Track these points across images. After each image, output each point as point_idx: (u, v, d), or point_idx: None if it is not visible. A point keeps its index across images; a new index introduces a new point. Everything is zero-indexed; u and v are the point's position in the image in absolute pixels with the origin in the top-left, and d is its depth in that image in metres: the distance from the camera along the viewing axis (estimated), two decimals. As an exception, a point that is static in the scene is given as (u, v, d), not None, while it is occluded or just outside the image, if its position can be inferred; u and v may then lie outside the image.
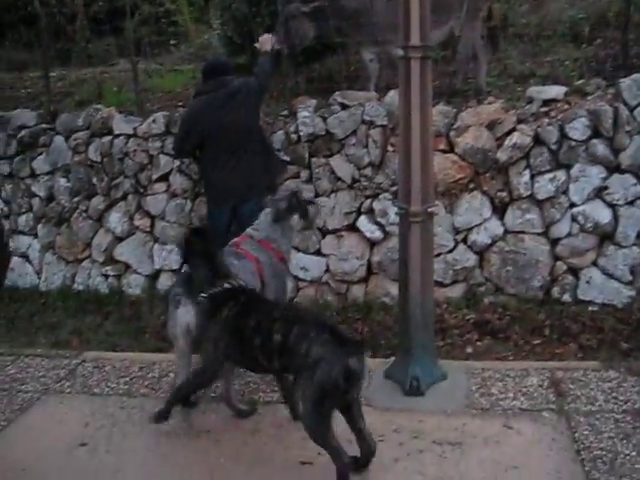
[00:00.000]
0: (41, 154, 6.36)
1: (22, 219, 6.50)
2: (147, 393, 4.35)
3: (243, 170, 5.06)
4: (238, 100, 5.05)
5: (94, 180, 6.10)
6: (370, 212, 5.51)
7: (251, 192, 5.03)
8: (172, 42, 9.23)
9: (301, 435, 3.30)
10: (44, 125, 6.36)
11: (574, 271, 5.23)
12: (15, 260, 6.45)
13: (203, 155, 5.22)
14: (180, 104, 6.63)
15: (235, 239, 4.25)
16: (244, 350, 3.45)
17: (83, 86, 7.69)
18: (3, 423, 4.09)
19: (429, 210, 3.93)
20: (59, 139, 6.25)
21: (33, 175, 6.42)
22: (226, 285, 3.56)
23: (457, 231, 5.38)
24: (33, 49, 9.62)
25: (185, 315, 3.69)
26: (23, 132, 6.37)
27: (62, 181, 6.25)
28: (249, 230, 4.28)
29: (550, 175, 5.15)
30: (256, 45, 5.42)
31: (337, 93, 5.63)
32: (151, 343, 5.28)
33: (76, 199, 6.22)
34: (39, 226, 6.44)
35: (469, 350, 4.85)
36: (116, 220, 6.08)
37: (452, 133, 5.36)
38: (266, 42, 5.33)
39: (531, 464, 3.38)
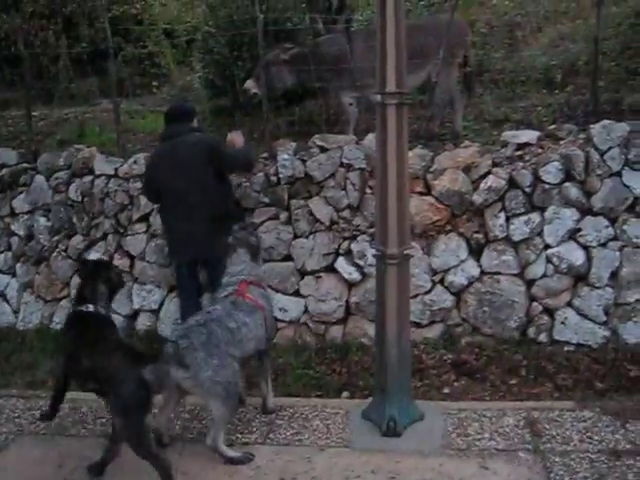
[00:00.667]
0: (21, 193, 6.39)
1: (0, 258, 6.50)
2: (124, 434, 4.30)
3: (197, 225, 4.96)
4: (193, 154, 4.95)
5: (74, 219, 6.12)
6: (348, 253, 5.57)
7: (207, 249, 5.00)
8: (154, 84, 9.34)
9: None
10: (25, 164, 6.40)
11: (550, 311, 5.30)
12: (-8, 300, 6.45)
13: (161, 204, 5.27)
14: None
15: (236, 287, 4.28)
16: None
17: (65, 126, 7.72)
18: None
19: (405, 252, 4.00)
20: (40, 178, 6.29)
21: (13, 214, 6.44)
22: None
23: (434, 272, 5.45)
24: (16, 88, 9.71)
25: None
26: (4, 171, 6.42)
27: (42, 220, 6.27)
28: (241, 277, 4.35)
29: (525, 217, 5.25)
30: (227, 140, 5.32)
31: (316, 136, 5.73)
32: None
33: (56, 238, 6.23)
34: (18, 265, 6.44)
35: (446, 390, 4.88)
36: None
37: (429, 176, 5.47)
38: (237, 139, 5.29)
39: (507, 505, 3.41)
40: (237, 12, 6.89)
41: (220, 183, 5.10)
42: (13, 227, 6.43)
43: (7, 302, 6.47)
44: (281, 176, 5.61)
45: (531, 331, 5.31)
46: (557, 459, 3.77)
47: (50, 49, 10.23)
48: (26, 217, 6.38)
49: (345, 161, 5.52)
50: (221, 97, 7.25)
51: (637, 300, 5.15)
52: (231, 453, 3.91)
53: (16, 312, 6.43)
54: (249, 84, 6.29)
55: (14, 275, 6.46)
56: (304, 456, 3.92)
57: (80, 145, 6.38)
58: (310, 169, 5.56)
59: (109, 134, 7.22)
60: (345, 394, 4.95)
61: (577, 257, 5.19)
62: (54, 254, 6.24)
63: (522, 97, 7.10)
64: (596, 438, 3.96)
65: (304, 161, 5.59)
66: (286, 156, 5.61)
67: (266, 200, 5.68)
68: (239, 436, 4.20)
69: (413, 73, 6.14)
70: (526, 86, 7.30)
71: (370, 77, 6.08)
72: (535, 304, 5.31)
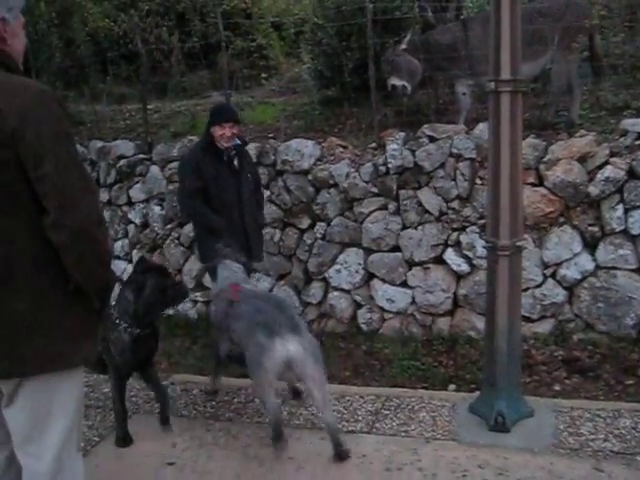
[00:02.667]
0: (138, 183, 6.66)
1: (118, 245, 6.81)
2: (232, 417, 4.42)
3: None
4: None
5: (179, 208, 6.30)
6: (457, 245, 5.48)
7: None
8: (263, 75, 9.49)
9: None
10: (141, 155, 6.66)
11: (666, 311, 5.04)
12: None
13: None
14: (271, 135, 6.81)
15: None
16: None
17: (178, 118, 7.97)
18: (96, 439, 4.26)
19: (518, 244, 3.89)
20: (155, 168, 6.53)
21: (130, 203, 6.73)
22: None
23: (546, 265, 5.28)
24: (132, 83, 10.13)
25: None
26: (122, 162, 6.70)
27: (156, 209, 6.51)
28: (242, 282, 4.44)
29: (644, 210, 5.01)
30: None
31: (425, 126, 5.66)
32: (236, 369, 5.36)
33: (169, 226, 6.46)
34: (134, 252, 6.73)
35: (557, 388, 4.73)
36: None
37: (542, 166, 5.30)
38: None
39: (622, 509, 3.27)
40: (346, 2, 6.86)
41: None
42: (130, 215, 6.72)
43: (124, 287, 6.75)
44: (390, 166, 5.58)
45: (650, 330, 5.07)
46: (678, 465, 3.57)
47: (164, 45, 10.62)
48: (142, 206, 6.65)
49: (455, 151, 5.42)
50: (330, 88, 7.27)
51: None
52: None
53: (132, 297, 6.69)
54: (394, 81, 6.20)
55: (131, 261, 6.73)
56: (410, 447, 3.89)
57: (192, 136, 6.56)
58: (419, 159, 5.50)
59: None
60: (452, 387, 4.89)
61: (702, 251, 4.91)
62: (167, 242, 6.47)
63: (642, 83, 6.74)
64: None
65: (413, 151, 5.53)
66: (395, 146, 5.57)
67: (375, 190, 5.67)
68: (345, 424, 4.21)
69: (532, 60, 5.97)
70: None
71: (485, 65, 6.03)
72: (644, 301, 5.06)
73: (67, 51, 10.79)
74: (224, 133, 4.84)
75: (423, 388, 4.85)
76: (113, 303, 3.86)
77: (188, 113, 8.08)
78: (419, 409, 4.34)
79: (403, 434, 4.07)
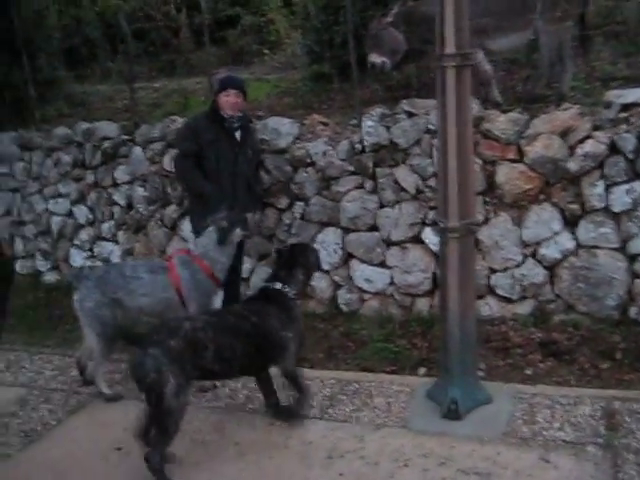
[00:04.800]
0: (121, 164, 6.63)
1: (105, 226, 6.82)
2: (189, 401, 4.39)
3: None
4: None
5: (168, 189, 6.27)
6: (435, 224, 5.32)
7: None
8: (265, 51, 9.37)
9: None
10: (124, 136, 6.62)
11: (654, 290, 4.83)
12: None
13: None
14: (260, 113, 6.71)
15: (174, 250, 4.50)
16: None
17: (173, 97, 7.93)
18: (53, 422, 4.30)
19: (469, 225, 3.74)
20: (137, 150, 6.50)
21: (115, 184, 6.71)
22: None
23: (525, 245, 5.10)
24: (142, 61, 10.12)
25: None
26: (106, 143, 6.67)
27: (140, 190, 6.48)
28: (190, 244, 4.62)
29: (627, 186, 4.77)
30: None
31: (404, 101, 5.49)
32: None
33: (152, 208, 6.44)
34: (120, 233, 6.73)
35: (528, 372, 4.58)
36: (188, 228, 6.18)
37: (522, 141, 5.09)
38: None
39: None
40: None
41: None
42: (115, 197, 6.72)
43: (112, 268, 6.78)
44: (366, 144, 5.44)
45: (632, 311, 4.87)
46: (630, 457, 3.41)
47: (172, 22, 10.58)
48: (126, 187, 6.63)
49: (431, 127, 5.24)
50: (320, 63, 7.12)
51: None
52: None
53: (120, 278, 6.72)
54: (373, 57, 6.01)
55: (117, 243, 6.76)
56: (357, 434, 3.82)
57: (174, 116, 6.49)
58: (395, 136, 5.34)
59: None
60: (422, 370, 4.78)
61: (686, 231, 4.68)
62: (151, 223, 6.46)
63: (646, 50, 6.43)
64: None
65: (389, 128, 5.37)
66: (371, 123, 5.42)
67: (351, 168, 5.54)
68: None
69: (514, 31, 5.76)
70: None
71: (474, 34, 5.80)
72: (638, 281, 4.85)
73: (77, 30, 10.86)
74: (228, 99, 4.96)
75: (393, 372, 4.76)
76: None
77: (182, 92, 8.00)
78: (376, 394, 4.26)
79: (354, 420, 4.00)
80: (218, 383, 4.49)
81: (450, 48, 3.56)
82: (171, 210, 6.28)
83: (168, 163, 6.20)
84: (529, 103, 5.72)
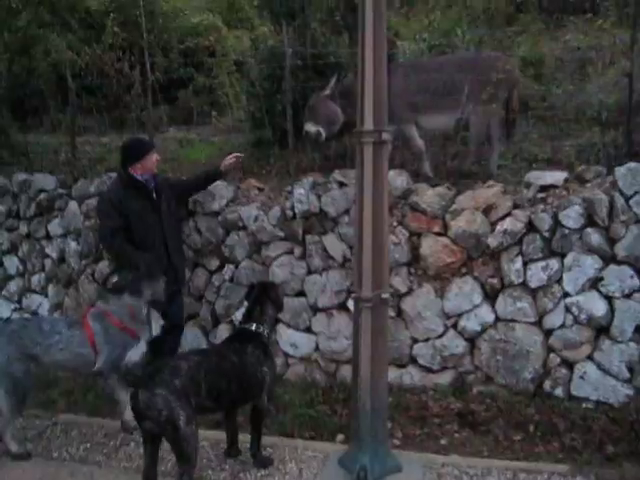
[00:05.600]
0: (56, 217, 6.63)
1: (35, 278, 6.79)
2: (101, 461, 4.34)
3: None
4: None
5: (101, 245, 6.27)
6: (359, 292, 5.43)
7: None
8: (213, 113, 9.53)
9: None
10: (61, 190, 6.64)
11: (569, 364, 4.99)
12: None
13: None
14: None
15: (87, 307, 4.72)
16: None
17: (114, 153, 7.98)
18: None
19: (382, 296, 3.85)
20: (73, 204, 6.52)
21: (48, 237, 6.70)
22: None
23: (447, 316, 5.24)
24: (92, 115, 10.17)
25: None
26: (42, 195, 6.68)
27: (73, 244, 6.47)
28: (99, 302, 4.88)
29: (543, 263, 4.98)
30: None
31: (336, 171, 5.66)
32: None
33: (84, 262, 6.42)
34: (50, 286, 6.69)
35: (444, 442, 4.66)
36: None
37: (448, 216, 5.28)
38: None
39: None
40: (277, 46, 6.92)
41: None
42: (47, 249, 6.70)
43: (39, 322, 6.70)
44: (297, 210, 5.57)
45: (547, 384, 5.02)
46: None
47: (125, 79, 10.69)
48: (59, 240, 6.62)
49: (360, 197, 5.39)
50: (261, 129, 7.28)
51: (664, 358, 4.76)
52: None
53: (47, 332, 6.64)
54: (309, 127, 6.20)
55: (46, 296, 6.70)
56: (266, 501, 3.82)
57: (114, 173, 6.54)
58: (324, 204, 5.49)
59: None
60: (340, 437, 4.80)
61: (598, 308, 4.87)
62: (82, 277, 6.43)
63: (570, 136, 6.77)
64: (580, 508, 3.66)
65: (319, 196, 5.52)
66: (302, 191, 5.56)
67: (281, 234, 5.64)
68: (210, 472, 4.13)
69: (444, 112, 6.01)
70: (579, 124, 6.96)
71: (408, 111, 6.05)
72: (552, 355, 5.02)
73: (28, 81, 10.89)
74: (154, 160, 5.17)
75: (311, 437, 4.78)
76: None
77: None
78: (289, 460, 4.28)
79: (264, 486, 3.99)
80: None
81: (368, 125, 3.72)
82: (103, 265, 6.28)
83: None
84: (459, 179, 5.94)
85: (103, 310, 4.71)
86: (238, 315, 5.75)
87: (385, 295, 3.89)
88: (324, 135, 6.13)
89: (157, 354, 5.03)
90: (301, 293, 5.62)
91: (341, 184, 5.55)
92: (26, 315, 6.53)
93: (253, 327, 4.25)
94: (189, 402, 3.66)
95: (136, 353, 4.74)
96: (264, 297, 4.38)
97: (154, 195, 5.18)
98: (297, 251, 5.62)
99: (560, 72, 7.94)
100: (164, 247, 5.18)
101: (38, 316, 6.35)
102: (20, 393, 4.35)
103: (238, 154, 5.72)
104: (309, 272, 5.59)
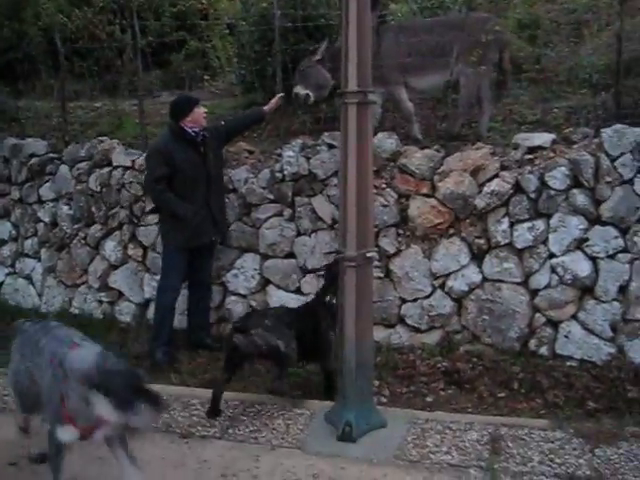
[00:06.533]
0: (48, 182, 6.67)
1: (28, 243, 6.84)
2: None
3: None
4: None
5: (93, 209, 6.33)
6: (349, 253, 5.48)
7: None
8: (206, 77, 9.48)
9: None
10: (52, 154, 6.66)
11: (553, 324, 5.07)
12: (20, 282, 6.77)
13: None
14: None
15: None
16: None
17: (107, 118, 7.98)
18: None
19: (367, 255, 3.91)
20: (64, 168, 6.55)
21: (40, 201, 6.74)
22: None
23: (435, 276, 5.30)
24: (84, 80, 10.11)
25: None
26: (33, 160, 6.71)
27: (65, 208, 6.52)
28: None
29: (529, 224, 5.03)
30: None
31: (326, 134, 5.68)
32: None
33: (76, 226, 6.48)
34: (42, 250, 6.75)
35: (429, 399, 4.75)
36: (111, 248, 6.29)
37: (436, 177, 5.32)
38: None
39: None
40: (268, 8, 6.87)
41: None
42: (39, 214, 6.74)
43: (33, 285, 6.79)
44: (286, 173, 5.60)
45: (532, 343, 5.10)
46: (507, 479, 3.59)
47: (117, 42, 10.59)
48: (51, 205, 6.66)
49: (349, 159, 5.42)
50: (253, 92, 7.27)
51: (646, 317, 4.83)
52: None
53: (40, 295, 6.74)
54: (298, 89, 6.18)
55: (39, 260, 6.76)
56: (253, 454, 3.92)
57: (105, 137, 6.57)
58: (313, 167, 5.52)
59: (148, 127, 7.40)
60: (328, 395, 4.89)
61: (583, 268, 4.93)
62: (74, 241, 6.49)
63: (562, 98, 6.76)
64: (558, 461, 3.76)
65: (308, 158, 5.55)
66: (291, 153, 5.59)
67: (271, 196, 5.68)
68: (199, 429, 4.23)
69: (432, 73, 6.01)
70: (570, 87, 6.95)
71: (397, 73, 6.05)
72: (538, 315, 5.09)
73: (18, 45, 10.80)
74: (202, 112, 5.43)
75: (301, 396, 4.85)
76: None
77: (118, 113, 8.05)
78: (277, 416, 4.37)
79: (252, 441, 4.10)
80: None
81: (352, 86, 3.74)
82: (95, 229, 6.34)
83: (94, 182, 6.29)
84: (448, 141, 5.95)
85: None
86: (229, 277, 5.82)
87: (370, 254, 3.93)
88: (312, 98, 6.12)
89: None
90: (291, 255, 5.68)
91: (330, 146, 5.58)
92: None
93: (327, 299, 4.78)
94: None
95: None
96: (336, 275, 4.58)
97: (202, 148, 5.39)
98: (286, 213, 5.67)
99: (555, 34, 7.90)
100: (206, 199, 5.41)
101: None
102: None
103: (281, 94, 5.98)
104: (298, 234, 5.65)
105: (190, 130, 5.33)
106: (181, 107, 5.42)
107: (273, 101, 5.90)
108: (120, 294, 6.32)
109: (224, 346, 4.79)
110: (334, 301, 4.62)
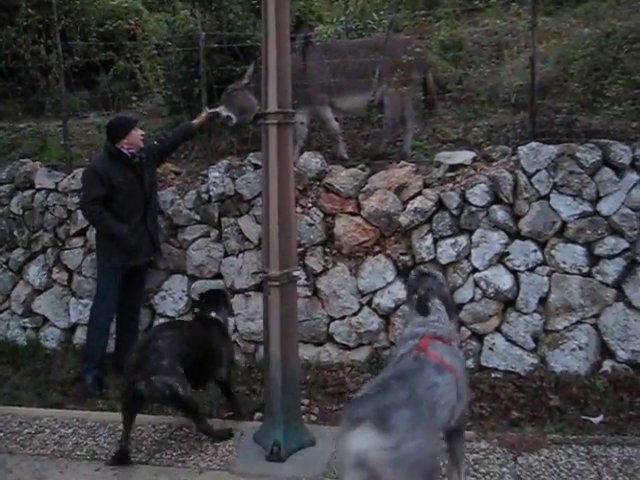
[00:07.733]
0: (-31, 204, 6.48)
1: (-51, 268, 6.60)
2: (14, 450, 4.30)
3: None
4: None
5: (15, 233, 6.18)
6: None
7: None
8: (133, 98, 9.40)
9: None
10: (-29, 177, 6.50)
11: (478, 337, 5.18)
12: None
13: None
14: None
15: (416, 340, 3.16)
16: None
17: (31, 139, 7.83)
18: None
19: (290, 274, 3.93)
20: (-15, 191, 6.38)
21: (-38, 225, 6.53)
22: None
23: (362, 294, 5.36)
24: (7, 100, 9.88)
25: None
26: (-47, 183, 6.51)
27: (-15, 232, 6.35)
28: (430, 329, 3.20)
29: (452, 240, 5.15)
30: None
31: (251, 154, 5.71)
32: (52, 397, 5.26)
33: (-2, 250, 6.31)
34: (-36, 275, 6.52)
35: (358, 416, 4.76)
36: (35, 273, 6.15)
37: (361, 196, 5.40)
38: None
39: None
40: (193, 29, 6.89)
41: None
42: (-39, 238, 6.52)
43: (-45, 311, 6.55)
44: (212, 194, 5.60)
45: (457, 357, 5.17)
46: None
47: (42, 62, 10.41)
48: (-27, 228, 6.46)
49: (275, 179, 5.45)
50: (179, 113, 7.26)
51: (565, 327, 5.00)
52: None
53: (-37, 321, 6.51)
54: (221, 109, 6.18)
55: (-39, 286, 6.54)
56: (181, 479, 3.86)
57: (27, 159, 6.44)
58: (239, 187, 5.53)
59: (73, 149, 7.28)
60: (258, 415, 4.85)
61: (505, 282, 5.07)
62: (-5, 265, 6.32)
63: (483, 117, 6.96)
64: (482, 471, 3.84)
65: (234, 179, 5.56)
66: (217, 174, 5.60)
67: (198, 217, 5.67)
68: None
69: (355, 93, 6.11)
70: (491, 106, 7.17)
71: (323, 93, 6.13)
72: (463, 329, 5.18)
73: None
74: (139, 134, 5.40)
75: (230, 417, 4.82)
76: None
77: (43, 134, 7.91)
78: (205, 439, 4.31)
79: (179, 465, 4.04)
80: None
81: (272, 107, 3.78)
82: (17, 254, 6.19)
83: (15, 205, 6.15)
84: (374, 160, 6.05)
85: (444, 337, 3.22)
86: (157, 299, 5.77)
87: (294, 273, 3.96)
88: (235, 121, 6.12)
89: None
90: (218, 275, 5.66)
91: (256, 166, 5.60)
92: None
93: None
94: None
95: None
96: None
97: (139, 169, 5.39)
98: (213, 234, 5.66)
99: (478, 55, 8.15)
100: (143, 219, 5.41)
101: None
102: None
103: (210, 110, 5.96)
104: (225, 255, 5.64)
105: (127, 151, 5.33)
106: (118, 129, 5.39)
107: (203, 115, 5.92)
108: (45, 319, 6.17)
109: (122, 392, 4.32)
110: (220, 317, 4.69)
